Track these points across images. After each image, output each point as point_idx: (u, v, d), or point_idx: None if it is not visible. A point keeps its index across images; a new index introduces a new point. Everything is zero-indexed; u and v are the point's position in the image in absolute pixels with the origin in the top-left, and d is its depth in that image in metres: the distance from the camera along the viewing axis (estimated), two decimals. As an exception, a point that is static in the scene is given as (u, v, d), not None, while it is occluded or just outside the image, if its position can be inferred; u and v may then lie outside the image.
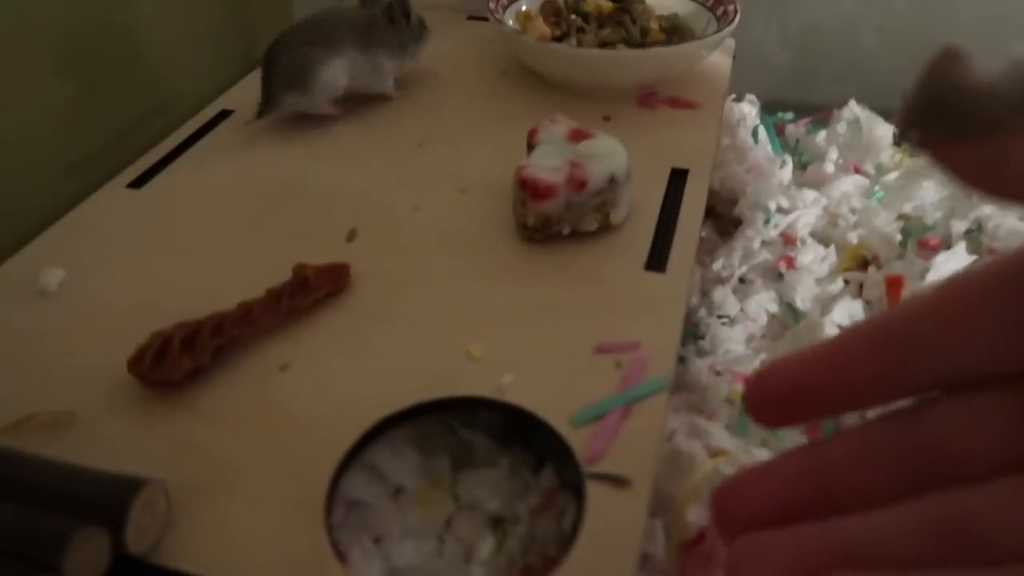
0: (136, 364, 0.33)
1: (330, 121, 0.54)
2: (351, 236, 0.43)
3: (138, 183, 0.47)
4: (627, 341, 0.36)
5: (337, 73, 0.52)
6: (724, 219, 0.60)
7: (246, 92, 0.58)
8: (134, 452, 0.31)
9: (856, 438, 0.15)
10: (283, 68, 0.51)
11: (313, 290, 0.38)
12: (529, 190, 0.40)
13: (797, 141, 0.65)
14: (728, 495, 0.16)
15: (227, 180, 0.48)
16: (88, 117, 0.49)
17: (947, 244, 0.53)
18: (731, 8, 0.55)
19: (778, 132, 0.67)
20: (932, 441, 0.14)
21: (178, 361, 0.33)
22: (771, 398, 0.16)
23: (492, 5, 0.56)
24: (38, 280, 0.40)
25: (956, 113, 0.14)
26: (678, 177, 0.48)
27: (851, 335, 0.15)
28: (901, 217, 0.55)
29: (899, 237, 0.53)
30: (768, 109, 0.67)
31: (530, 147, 0.44)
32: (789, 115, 0.68)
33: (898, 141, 0.15)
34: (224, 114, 0.54)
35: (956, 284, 0.14)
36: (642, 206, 0.45)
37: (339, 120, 0.54)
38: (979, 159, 0.14)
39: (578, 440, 0.29)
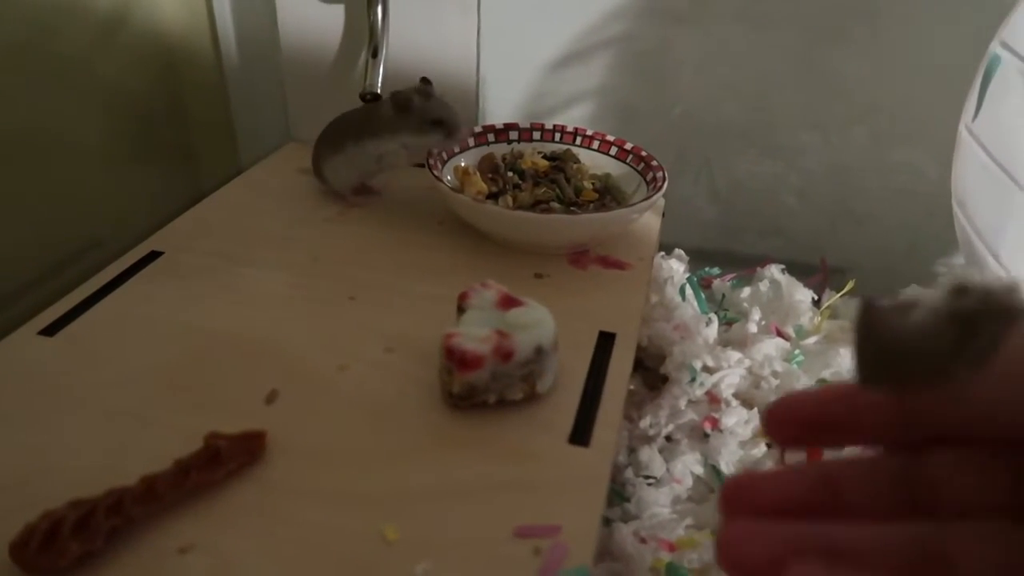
0: (20, 548, 0.31)
1: (264, 263, 0.53)
2: (271, 398, 0.42)
3: (51, 330, 0.45)
4: (547, 525, 0.36)
5: (339, 168, 0.62)
6: (652, 372, 0.61)
7: (179, 231, 0.57)
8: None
9: (862, 462, 0.17)
10: (313, 160, 0.64)
11: (225, 463, 0.36)
12: (456, 360, 0.40)
13: (723, 296, 0.68)
14: (737, 488, 0.18)
15: (147, 329, 0.46)
16: (8, 259, 0.48)
17: (864, 410, 0.54)
18: (660, 175, 0.58)
19: (705, 286, 0.69)
20: (930, 477, 0.17)
21: (67, 546, 0.31)
22: (792, 421, 0.18)
23: (431, 160, 0.58)
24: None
25: (900, 368, 0.16)
26: (606, 340, 0.49)
27: None
28: (820, 382, 0.56)
29: (819, 402, 0.55)
30: (696, 259, 0.70)
31: (460, 310, 0.45)
32: (716, 270, 0.70)
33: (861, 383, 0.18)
34: (153, 255, 0.54)
35: None
36: (569, 372, 0.45)
37: (272, 263, 0.54)
38: (941, 404, 0.16)
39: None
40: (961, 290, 0.15)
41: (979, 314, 0.15)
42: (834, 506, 0.17)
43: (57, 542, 0.31)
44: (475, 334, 0.41)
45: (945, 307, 0.15)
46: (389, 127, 0.59)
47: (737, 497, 0.17)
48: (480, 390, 0.41)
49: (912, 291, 0.16)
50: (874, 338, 0.16)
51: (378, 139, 0.59)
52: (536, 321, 0.42)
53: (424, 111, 0.58)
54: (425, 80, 0.60)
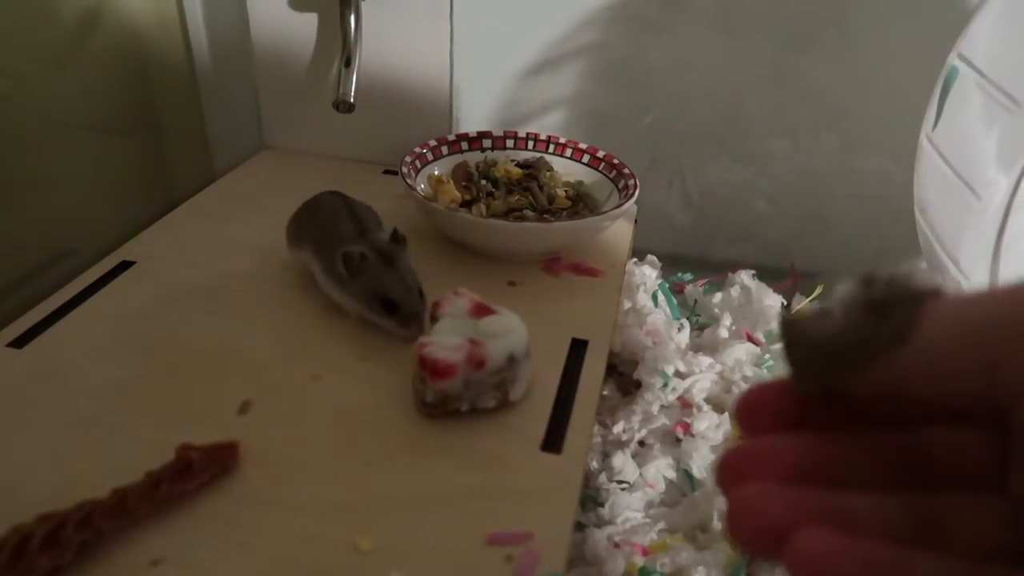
0: (-12, 564, 0.31)
1: (236, 272, 0.53)
2: (244, 408, 0.42)
3: (20, 342, 0.45)
4: (519, 532, 0.36)
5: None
6: (626, 377, 0.62)
7: (151, 240, 0.57)
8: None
9: (861, 434, 0.18)
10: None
11: (197, 474, 0.36)
12: (428, 368, 0.41)
13: (695, 301, 0.69)
14: (736, 458, 0.17)
15: (118, 340, 0.46)
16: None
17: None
18: (632, 183, 0.59)
19: (677, 291, 0.70)
20: (925, 449, 0.17)
21: (36, 560, 0.31)
22: (765, 409, 0.18)
23: (405, 169, 0.58)
24: None
25: (827, 365, 0.17)
26: (578, 348, 0.49)
27: None
28: (789, 386, 0.57)
29: (788, 406, 0.56)
30: (669, 264, 0.70)
31: (433, 318, 0.45)
32: (688, 275, 0.71)
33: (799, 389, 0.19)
34: (125, 265, 0.53)
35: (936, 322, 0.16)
36: (541, 380, 0.46)
37: (245, 272, 0.54)
38: (876, 386, 0.17)
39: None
40: (869, 281, 0.17)
41: (887, 298, 0.16)
42: (833, 478, 0.17)
43: (26, 557, 0.31)
44: (448, 342, 0.41)
45: (857, 298, 0.17)
46: (337, 276, 0.47)
47: (736, 468, 0.17)
48: (453, 398, 0.41)
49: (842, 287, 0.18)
50: (798, 345, 0.17)
51: (329, 281, 0.48)
52: (508, 329, 0.43)
53: (376, 284, 0.46)
54: (397, 235, 0.47)
